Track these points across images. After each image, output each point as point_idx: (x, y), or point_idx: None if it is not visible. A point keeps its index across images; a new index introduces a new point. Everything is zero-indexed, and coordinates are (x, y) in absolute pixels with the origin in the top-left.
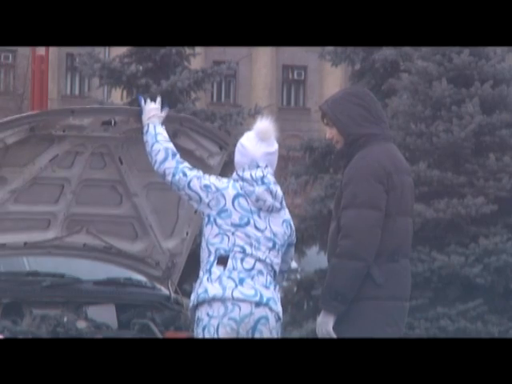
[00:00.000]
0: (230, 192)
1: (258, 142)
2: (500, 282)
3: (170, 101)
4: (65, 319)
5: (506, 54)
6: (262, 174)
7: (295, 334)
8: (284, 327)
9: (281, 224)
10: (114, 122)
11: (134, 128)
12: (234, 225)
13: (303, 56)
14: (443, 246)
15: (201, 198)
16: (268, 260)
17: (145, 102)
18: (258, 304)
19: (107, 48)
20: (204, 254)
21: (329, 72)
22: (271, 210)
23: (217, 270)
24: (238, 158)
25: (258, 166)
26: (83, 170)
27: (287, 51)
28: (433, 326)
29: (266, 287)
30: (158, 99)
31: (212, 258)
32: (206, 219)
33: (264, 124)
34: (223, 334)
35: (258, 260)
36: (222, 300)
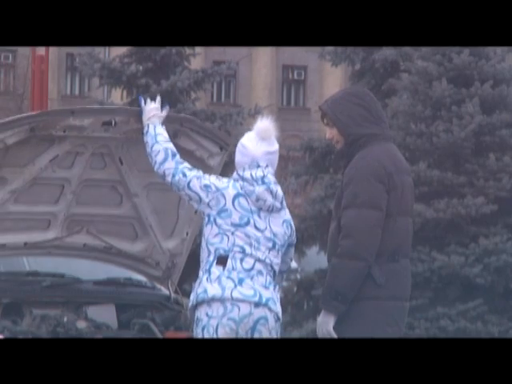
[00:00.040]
0: (230, 192)
1: (258, 142)
2: (500, 282)
3: (169, 101)
4: (65, 319)
5: (506, 54)
6: (262, 174)
7: (295, 333)
8: (284, 327)
9: (281, 224)
10: (115, 123)
11: (134, 128)
12: (233, 224)
13: (303, 56)
14: (443, 246)
15: (201, 198)
16: (268, 260)
17: (145, 102)
18: (257, 304)
19: (107, 48)
20: (204, 253)
21: (329, 72)
22: (271, 210)
23: (216, 270)
24: (238, 157)
25: (258, 166)
26: (83, 171)
27: (287, 51)
28: (433, 326)
29: (266, 287)
30: (158, 99)
31: (211, 258)
32: (206, 219)
33: (264, 123)
34: (222, 334)
35: (258, 260)
36: (222, 300)
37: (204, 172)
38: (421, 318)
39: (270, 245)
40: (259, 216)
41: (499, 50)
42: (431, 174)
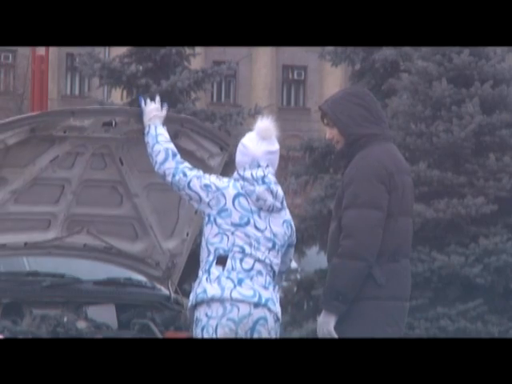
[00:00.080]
0: (231, 191)
1: (258, 141)
2: (500, 282)
3: (169, 101)
4: (65, 319)
5: (506, 54)
6: (262, 174)
7: (295, 334)
8: (284, 327)
9: (281, 224)
10: (115, 123)
11: (134, 129)
12: (233, 224)
13: (303, 56)
14: (443, 246)
15: (201, 198)
16: (267, 260)
17: (145, 102)
18: (256, 305)
19: (107, 48)
20: (203, 253)
21: (329, 72)
22: (271, 210)
23: (216, 271)
24: (239, 157)
25: (258, 166)
26: (84, 171)
27: (287, 51)
28: (433, 325)
29: (265, 288)
30: (158, 99)
31: (211, 258)
32: (206, 219)
33: (265, 123)
34: (222, 334)
35: (258, 260)
36: (221, 300)
37: (204, 172)
38: (421, 318)
39: (270, 245)
40: (259, 216)
41: (499, 50)
42: (431, 174)
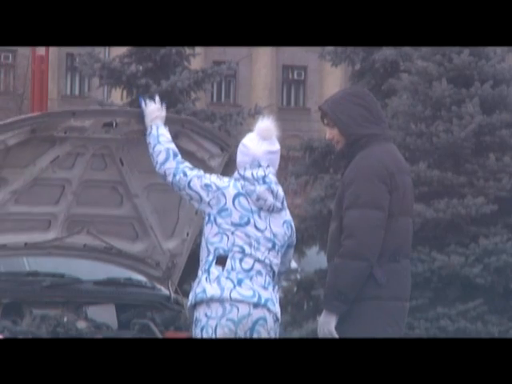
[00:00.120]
0: (231, 191)
1: (259, 141)
2: (500, 282)
3: (169, 101)
4: (65, 319)
5: (506, 54)
6: (263, 174)
7: (295, 334)
8: (284, 327)
9: (281, 225)
10: (116, 124)
11: (135, 130)
12: (233, 224)
13: (303, 56)
14: (443, 246)
15: (201, 198)
16: (267, 261)
17: (145, 103)
18: (256, 305)
19: (107, 48)
20: (203, 253)
21: (329, 72)
22: (272, 210)
23: (215, 271)
24: (239, 157)
25: (259, 166)
26: (84, 171)
27: (287, 51)
28: (433, 325)
29: (265, 288)
30: (157, 99)
31: (211, 258)
32: (207, 218)
33: (265, 123)
34: (221, 334)
35: (257, 260)
36: (220, 301)
37: (205, 173)
38: (421, 318)
39: (270, 245)
40: (259, 216)
41: (499, 50)
42: (431, 174)
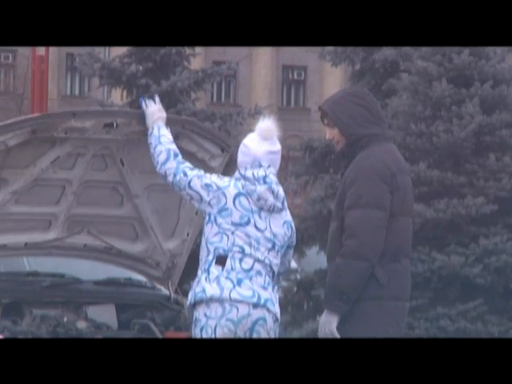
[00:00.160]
0: (231, 191)
1: (260, 141)
2: (500, 282)
3: (169, 101)
4: (65, 319)
5: (506, 54)
6: (264, 174)
7: (295, 334)
8: (284, 327)
9: (281, 225)
10: (116, 125)
11: (135, 130)
12: (234, 224)
13: (303, 56)
14: (443, 246)
15: (201, 197)
16: (267, 261)
17: (146, 104)
18: (255, 305)
19: (107, 48)
20: (203, 252)
21: (329, 72)
22: (272, 210)
23: (215, 270)
24: (240, 157)
25: (260, 166)
26: (85, 172)
27: (287, 51)
28: (433, 325)
29: (264, 288)
30: (157, 99)
31: (211, 258)
32: (207, 218)
33: (266, 123)
34: (221, 334)
35: (257, 260)
36: (220, 301)
37: (205, 173)
38: (421, 318)
39: (270, 245)
40: (260, 216)
41: (499, 50)
42: (431, 174)
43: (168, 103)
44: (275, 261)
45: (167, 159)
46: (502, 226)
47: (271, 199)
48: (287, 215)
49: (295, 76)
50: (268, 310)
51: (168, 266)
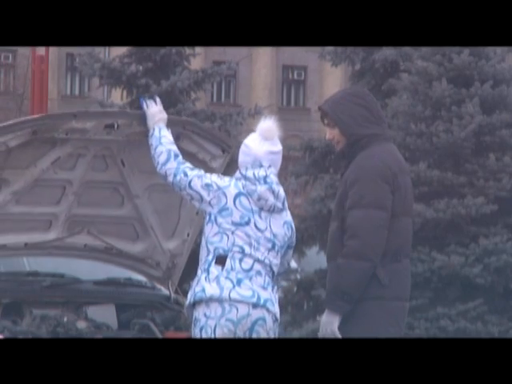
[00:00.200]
0: (232, 190)
1: (261, 141)
2: (500, 282)
3: (169, 101)
4: (65, 319)
5: (506, 54)
6: (264, 174)
7: (295, 334)
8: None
9: (281, 225)
10: (117, 126)
11: (136, 131)
12: (234, 223)
13: (303, 56)
14: (443, 246)
15: (202, 197)
16: (267, 261)
17: (146, 104)
18: (255, 305)
19: (107, 48)
20: (203, 252)
21: (329, 72)
22: (272, 210)
23: (215, 270)
24: (241, 157)
25: (261, 166)
26: (85, 172)
27: (287, 51)
28: (433, 325)
29: (264, 288)
30: (158, 100)
31: (211, 257)
32: (207, 218)
33: (267, 124)
34: (220, 334)
35: (257, 260)
36: (220, 301)
37: (205, 173)
38: (421, 318)
39: (270, 245)
40: (260, 216)
41: (499, 50)
42: (431, 174)
43: (168, 103)
44: (275, 261)
45: (167, 160)
46: (502, 226)
47: (272, 199)
48: (287, 215)
49: (295, 76)
50: (268, 310)
51: (168, 266)
